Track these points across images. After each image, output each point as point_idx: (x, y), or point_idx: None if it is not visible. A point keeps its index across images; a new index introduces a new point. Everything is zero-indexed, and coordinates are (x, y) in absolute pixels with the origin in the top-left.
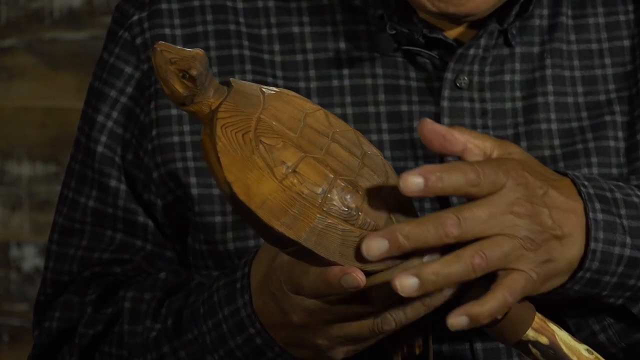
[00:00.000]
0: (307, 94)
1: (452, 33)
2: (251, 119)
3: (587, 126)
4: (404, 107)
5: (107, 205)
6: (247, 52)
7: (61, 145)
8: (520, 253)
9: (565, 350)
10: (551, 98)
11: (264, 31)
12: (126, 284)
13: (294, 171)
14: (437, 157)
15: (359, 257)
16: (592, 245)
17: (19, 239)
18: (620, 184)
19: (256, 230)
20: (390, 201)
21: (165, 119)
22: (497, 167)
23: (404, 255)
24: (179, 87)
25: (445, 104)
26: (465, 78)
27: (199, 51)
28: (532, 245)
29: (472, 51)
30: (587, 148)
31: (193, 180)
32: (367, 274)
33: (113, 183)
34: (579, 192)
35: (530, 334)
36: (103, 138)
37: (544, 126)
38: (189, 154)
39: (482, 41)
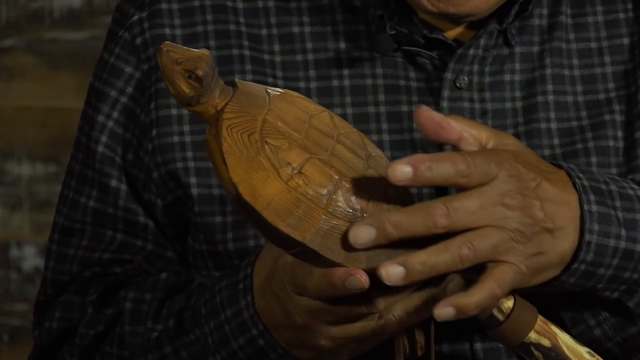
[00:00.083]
0: (307, 94)
1: (452, 33)
2: (257, 120)
3: (586, 125)
4: (404, 108)
5: (108, 205)
6: (247, 52)
7: (61, 145)
8: (510, 245)
9: (567, 352)
10: (551, 97)
11: (264, 31)
12: (127, 284)
13: (300, 172)
14: None
15: None
16: (587, 237)
17: (19, 239)
18: (616, 177)
19: (261, 231)
20: (394, 202)
21: (165, 119)
22: (490, 158)
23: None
24: (185, 88)
25: (445, 104)
26: (465, 78)
27: (205, 51)
28: (522, 237)
29: (471, 51)
30: (586, 147)
31: (193, 180)
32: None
33: (113, 183)
34: (574, 184)
35: (533, 336)
36: (103, 138)
37: (543, 125)
38: (189, 154)
39: (482, 41)
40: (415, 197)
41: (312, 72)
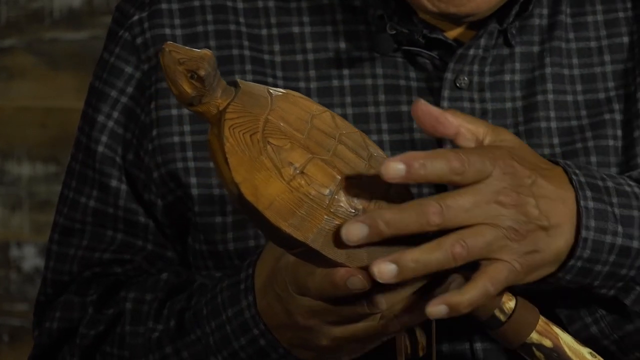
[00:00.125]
0: (307, 94)
1: (452, 33)
2: (259, 120)
3: (586, 125)
4: (404, 108)
5: (108, 205)
6: (247, 52)
7: (61, 145)
8: (504, 243)
9: (568, 353)
10: (551, 96)
11: (264, 31)
12: (127, 284)
13: (302, 172)
14: None
15: None
16: (583, 233)
17: (19, 239)
18: (613, 174)
19: (263, 231)
20: (396, 202)
21: (165, 119)
22: (484, 156)
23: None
24: (187, 88)
25: (445, 104)
26: (465, 78)
27: (207, 52)
28: (516, 235)
29: (472, 51)
30: (586, 147)
31: (193, 180)
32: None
33: (114, 183)
34: (570, 181)
35: (534, 336)
36: (104, 138)
37: (543, 124)
38: (189, 154)
39: (482, 41)
40: (415, 197)
41: (312, 72)
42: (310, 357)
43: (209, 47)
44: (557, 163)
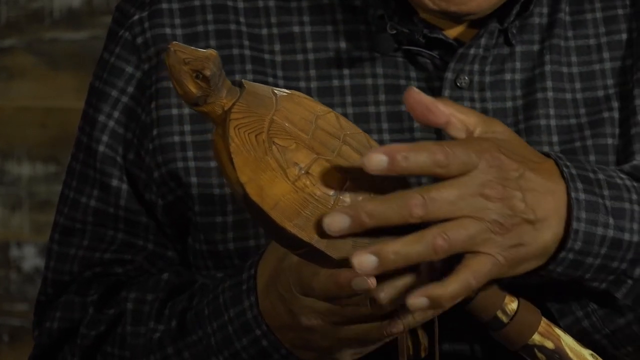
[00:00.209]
0: (308, 93)
1: (453, 33)
2: (264, 120)
3: (585, 123)
4: (405, 107)
5: (109, 205)
6: (247, 52)
7: (61, 145)
8: (488, 236)
9: (570, 354)
10: (550, 94)
11: (264, 31)
12: (128, 284)
13: (307, 172)
14: None
15: None
16: (574, 225)
17: (19, 239)
18: (604, 167)
19: (267, 231)
20: None
21: (166, 118)
22: (470, 148)
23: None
24: (192, 88)
25: None
26: (466, 78)
27: (212, 52)
28: (500, 229)
29: (472, 51)
30: (585, 146)
31: (194, 180)
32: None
33: (114, 183)
34: (561, 173)
35: (536, 338)
36: (104, 138)
37: (543, 122)
38: (190, 153)
39: (483, 41)
40: None
41: (312, 72)
42: (313, 358)
43: (209, 47)
44: (548, 155)
